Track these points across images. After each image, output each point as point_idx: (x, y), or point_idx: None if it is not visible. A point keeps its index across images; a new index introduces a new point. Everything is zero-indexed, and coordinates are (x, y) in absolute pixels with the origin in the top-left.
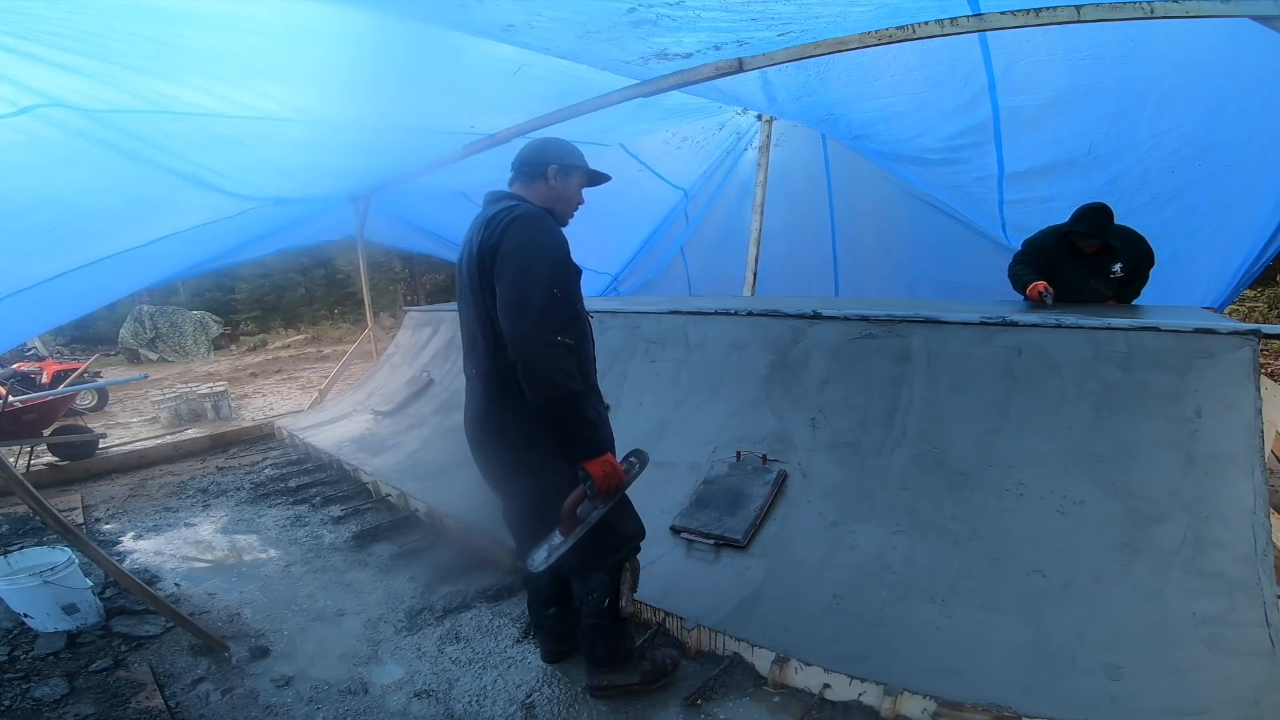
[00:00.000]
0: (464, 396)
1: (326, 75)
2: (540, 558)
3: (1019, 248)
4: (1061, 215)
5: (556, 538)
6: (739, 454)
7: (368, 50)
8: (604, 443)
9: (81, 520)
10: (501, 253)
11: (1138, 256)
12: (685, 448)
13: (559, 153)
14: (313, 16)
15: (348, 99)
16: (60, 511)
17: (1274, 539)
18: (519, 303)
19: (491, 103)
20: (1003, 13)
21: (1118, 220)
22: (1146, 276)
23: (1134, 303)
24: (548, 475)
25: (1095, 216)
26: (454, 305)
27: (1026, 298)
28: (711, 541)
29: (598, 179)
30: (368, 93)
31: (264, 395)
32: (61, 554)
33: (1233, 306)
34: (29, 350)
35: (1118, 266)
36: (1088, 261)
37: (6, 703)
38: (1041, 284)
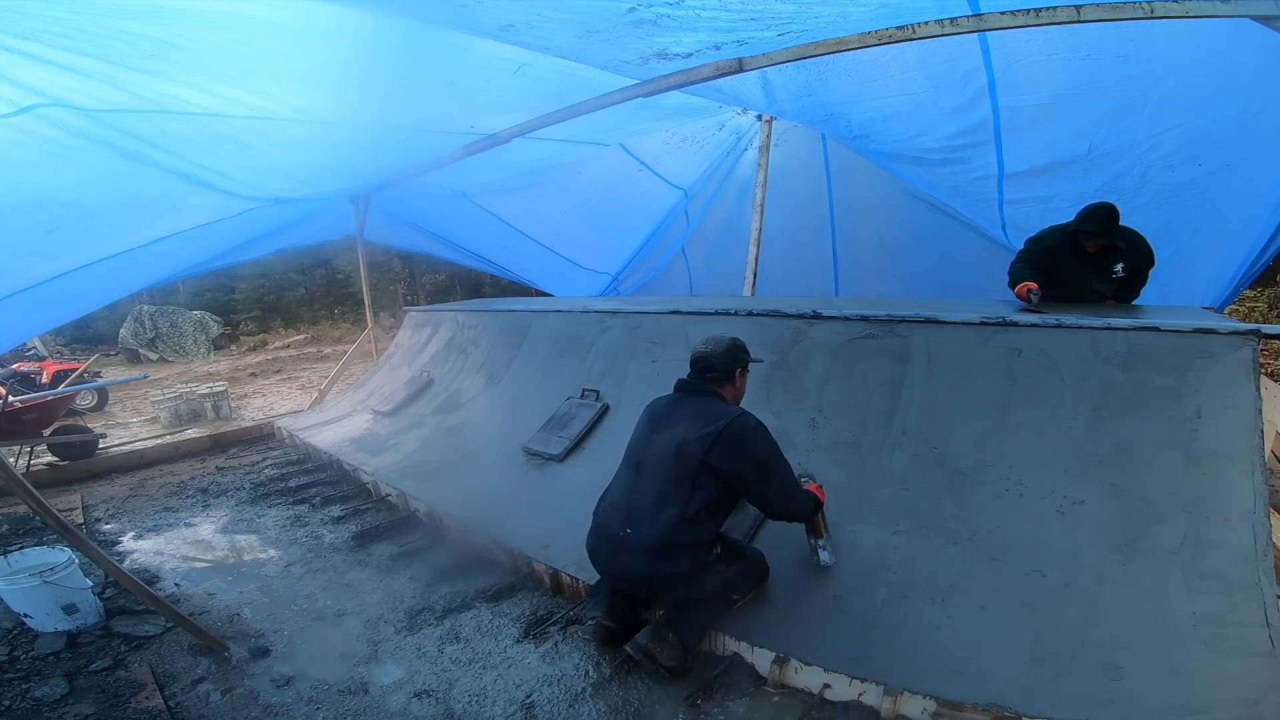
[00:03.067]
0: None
1: (326, 75)
2: (825, 556)
3: (1021, 247)
4: (1061, 215)
5: (819, 541)
6: None
7: (367, 50)
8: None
9: (81, 520)
10: (757, 458)
11: (1139, 257)
12: None
13: (742, 357)
14: (313, 16)
15: (347, 99)
16: (60, 511)
17: (1274, 539)
18: (788, 492)
19: (491, 102)
20: (1003, 13)
21: None
22: (1146, 277)
23: (1134, 303)
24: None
25: (1103, 216)
26: (454, 305)
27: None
28: None
29: (754, 362)
30: (367, 92)
31: (264, 395)
32: (61, 554)
33: (1233, 306)
34: (29, 350)
35: (1119, 266)
36: (1090, 260)
37: (6, 703)
38: (1030, 284)
